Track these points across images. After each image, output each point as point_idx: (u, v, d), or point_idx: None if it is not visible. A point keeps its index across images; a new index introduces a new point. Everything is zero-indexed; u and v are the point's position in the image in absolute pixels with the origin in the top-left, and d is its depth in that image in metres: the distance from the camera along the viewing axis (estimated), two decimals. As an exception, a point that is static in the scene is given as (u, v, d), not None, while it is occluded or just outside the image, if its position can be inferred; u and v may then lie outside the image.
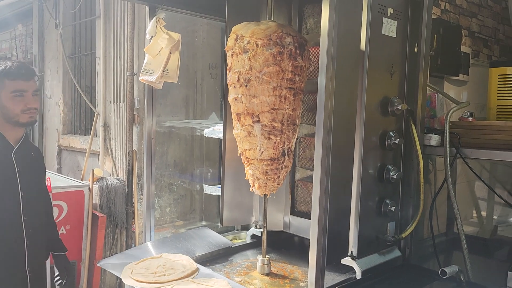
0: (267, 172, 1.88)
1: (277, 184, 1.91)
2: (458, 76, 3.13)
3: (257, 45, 1.83)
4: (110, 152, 4.15)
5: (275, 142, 1.84)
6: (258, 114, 1.85)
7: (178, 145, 4.04)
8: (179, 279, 1.78)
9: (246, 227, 2.55)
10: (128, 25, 3.79)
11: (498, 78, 2.33)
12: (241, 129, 1.91)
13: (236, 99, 1.90)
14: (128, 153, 3.93)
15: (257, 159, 1.89)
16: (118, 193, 3.94)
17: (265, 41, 1.82)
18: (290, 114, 1.83)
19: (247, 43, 1.85)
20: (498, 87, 2.34)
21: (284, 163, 1.87)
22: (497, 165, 2.72)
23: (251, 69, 1.85)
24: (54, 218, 3.41)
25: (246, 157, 1.92)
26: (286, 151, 1.87)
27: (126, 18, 3.80)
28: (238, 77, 1.90)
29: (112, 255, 2.54)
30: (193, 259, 2.01)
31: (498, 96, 2.33)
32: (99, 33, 4.15)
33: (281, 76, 1.81)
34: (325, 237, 1.63)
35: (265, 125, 1.84)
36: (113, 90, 4.04)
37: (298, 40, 1.85)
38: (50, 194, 3.36)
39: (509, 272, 1.74)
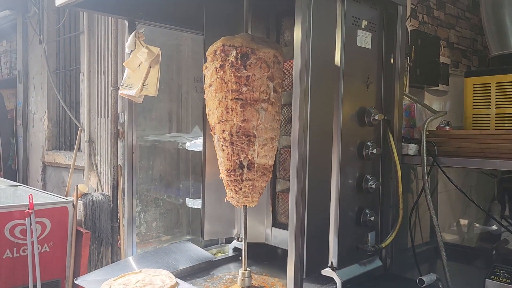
0: (228, 183, 1.89)
1: (244, 197, 1.88)
2: (438, 86, 3.17)
3: (208, 61, 1.91)
4: (95, 167, 4.11)
5: (227, 154, 1.85)
6: (214, 126, 1.90)
7: (164, 159, 4.03)
8: (157, 294, 1.76)
9: (230, 240, 2.53)
10: (112, 40, 3.81)
11: (473, 87, 2.37)
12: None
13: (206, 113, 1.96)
14: (113, 168, 3.91)
15: (220, 169, 1.93)
16: (103, 208, 3.89)
17: (212, 56, 1.89)
18: (240, 125, 1.82)
19: (207, 61, 1.93)
20: (473, 96, 2.38)
21: (244, 176, 1.85)
22: (482, 174, 2.75)
23: (205, 84, 1.94)
24: (37, 235, 3.37)
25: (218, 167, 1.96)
26: (245, 164, 1.86)
27: (110, 33, 3.82)
28: (204, 92, 1.98)
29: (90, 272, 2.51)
30: (173, 274, 1.98)
31: (473, 105, 2.37)
32: (83, 48, 4.16)
33: (225, 88, 1.83)
34: (303, 248, 1.62)
35: (218, 136, 1.88)
36: (97, 105, 4.04)
37: (242, 50, 1.83)
38: (33, 211, 3.31)
39: (486, 279, 1.76)
